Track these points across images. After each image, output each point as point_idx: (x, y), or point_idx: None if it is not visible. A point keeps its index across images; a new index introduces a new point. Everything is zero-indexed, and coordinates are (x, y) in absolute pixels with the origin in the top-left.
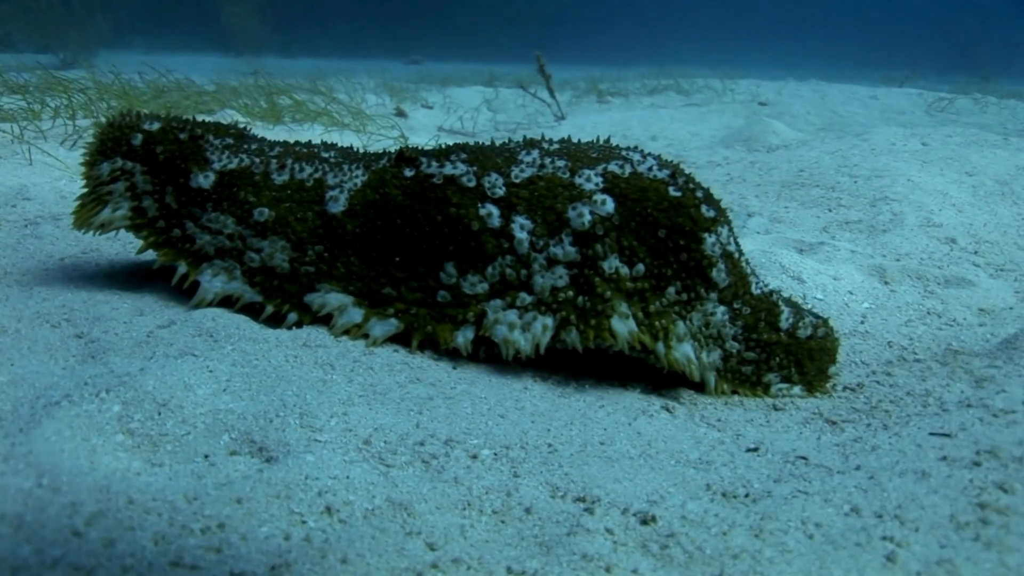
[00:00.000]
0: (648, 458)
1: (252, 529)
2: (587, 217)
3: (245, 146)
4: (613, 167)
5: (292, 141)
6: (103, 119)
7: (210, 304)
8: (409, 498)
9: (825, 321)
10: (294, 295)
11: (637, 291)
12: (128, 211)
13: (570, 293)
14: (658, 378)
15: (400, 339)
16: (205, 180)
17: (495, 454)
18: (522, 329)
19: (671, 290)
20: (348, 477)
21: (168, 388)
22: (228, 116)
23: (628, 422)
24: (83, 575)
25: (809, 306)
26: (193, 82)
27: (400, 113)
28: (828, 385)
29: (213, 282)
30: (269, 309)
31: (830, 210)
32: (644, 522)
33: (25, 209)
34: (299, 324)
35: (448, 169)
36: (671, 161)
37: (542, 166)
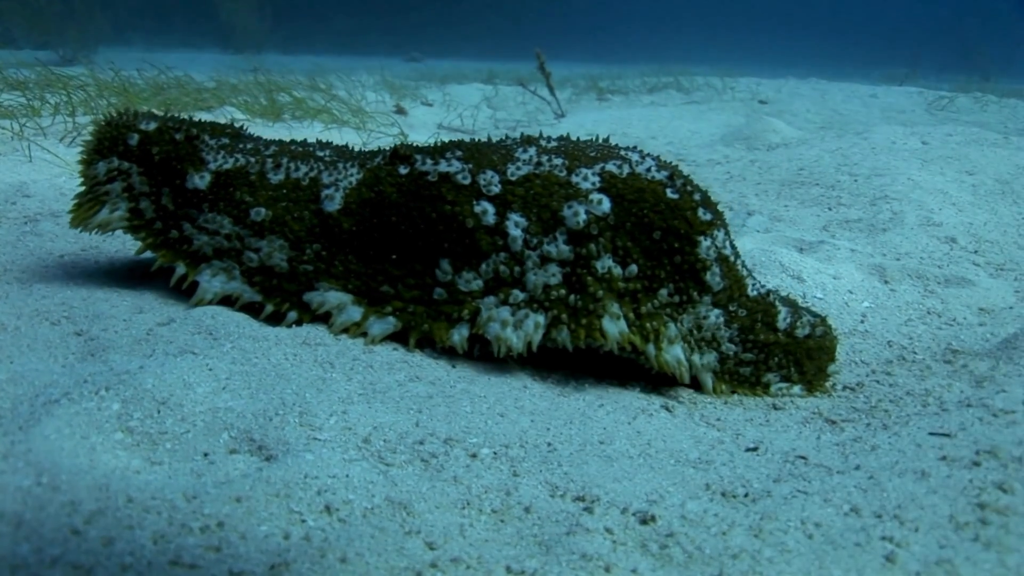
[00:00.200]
0: (647, 457)
1: (251, 528)
2: (582, 216)
3: (241, 146)
4: (611, 167)
5: (290, 139)
6: (102, 117)
7: (209, 303)
8: (408, 497)
9: (823, 319)
10: (293, 294)
11: (629, 292)
12: (126, 212)
13: (562, 291)
14: (657, 377)
15: (398, 337)
16: (201, 181)
17: (494, 453)
18: (514, 327)
19: (663, 292)
20: (347, 476)
21: (167, 386)
22: (227, 113)
23: (628, 421)
24: (82, 574)
25: (808, 305)
26: (192, 79)
27: (400, 110)
28: (828, 384)
29: (212, 282)
30: (269, 308)
31: (830, 209)
32: (643, 522)
33: (25, 206)
34: (299, 322)
35: (443, 166)
36: (670, 162)
37: (539, 164)
